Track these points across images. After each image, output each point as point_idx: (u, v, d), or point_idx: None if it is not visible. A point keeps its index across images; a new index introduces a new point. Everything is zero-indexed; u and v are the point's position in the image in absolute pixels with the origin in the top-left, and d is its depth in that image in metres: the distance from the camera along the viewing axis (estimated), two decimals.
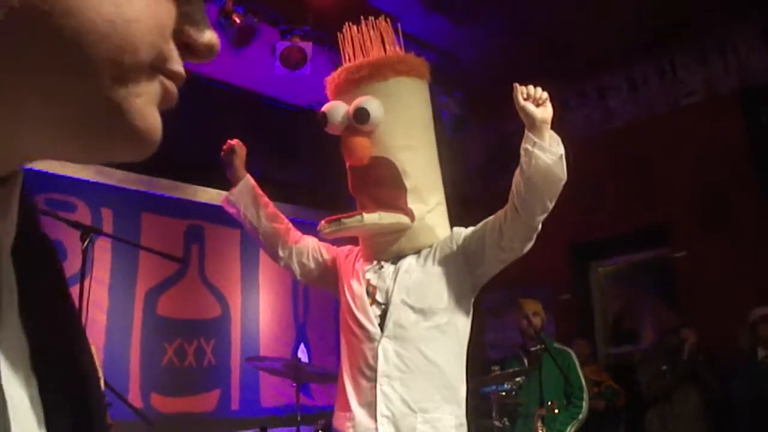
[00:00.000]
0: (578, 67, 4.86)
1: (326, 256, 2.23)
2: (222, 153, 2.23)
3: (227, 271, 4.73)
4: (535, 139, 1.79)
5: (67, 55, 0.28)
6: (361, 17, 2.18)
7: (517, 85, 1.80)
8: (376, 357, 1.94)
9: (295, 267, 2.23)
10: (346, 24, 2.19)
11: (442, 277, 2.00)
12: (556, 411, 3.28)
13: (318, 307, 5.06)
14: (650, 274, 5.23)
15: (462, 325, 2.01)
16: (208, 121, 3.75)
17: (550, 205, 1.86)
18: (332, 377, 2.45)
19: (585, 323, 5.22)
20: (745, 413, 3.78)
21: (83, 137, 0.31)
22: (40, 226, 0.39)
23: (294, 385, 3.11)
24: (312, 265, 2.23)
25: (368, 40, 2.16)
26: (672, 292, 4.82)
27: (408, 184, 2.07)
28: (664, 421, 4.12)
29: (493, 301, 4.49)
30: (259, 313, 4.87)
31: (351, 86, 2.12)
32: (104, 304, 4.04)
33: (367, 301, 2.03)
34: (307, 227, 2.37)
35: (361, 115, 2.04)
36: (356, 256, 2.18)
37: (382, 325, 1.98)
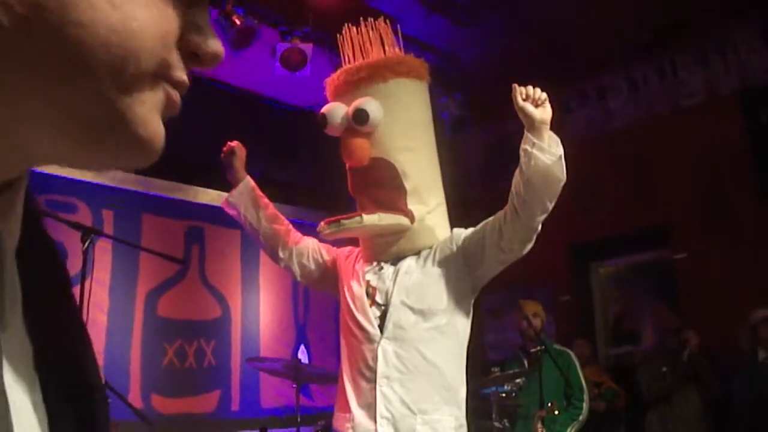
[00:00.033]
0: (578, 67, 4.86)
1: (326, 257, 2.23)
2: (222, 155, 2.24)
3: (227, 272, 4.73)
4: (534, 140, 1.79)
5: (71, 64, 0.29)
6: (361, 19, 2.18)
7: (516, 85, 1.80)
8: (375, 358, 1.94)
9: (296, 268, 2.24)
10: (346, 25, 2.19)
11: (441, 278, 2.00)
12: (556, 412, 3.28)
13: (318, 309, 5.06)
14: (650, 275, 5.23)
15: (462, 326, 2.01)
16: (208, 123, 3.75)
17: (550, 206, 1.86)
18: (332, 378, 2.45)
19: (585, 324, 5.22)
20: (745, 414, 3.78)
21: (87, 144, 0.31)
22: (44, 228, 0.39)
23: (294, 386, 3.11)
24: (312, 266, 2.23)
25: (368, 42, 2.16)
26: (672, 294, 4.82)
27: (408, 185, 2.07)
28: (664, 423, 4.11)
29: (493, 302, 4.49)
30: (259, 314, 4.87)
31: (350, 88, 2.12)
32: (105, 305, 4.05)
33: (366, 302, 2.03)
34: (307, 228, 2.37)
35: (360, 117, 2.04)
36: (356, 257, 2.18)
37: (381, 327, 1.98)
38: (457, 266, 2.01)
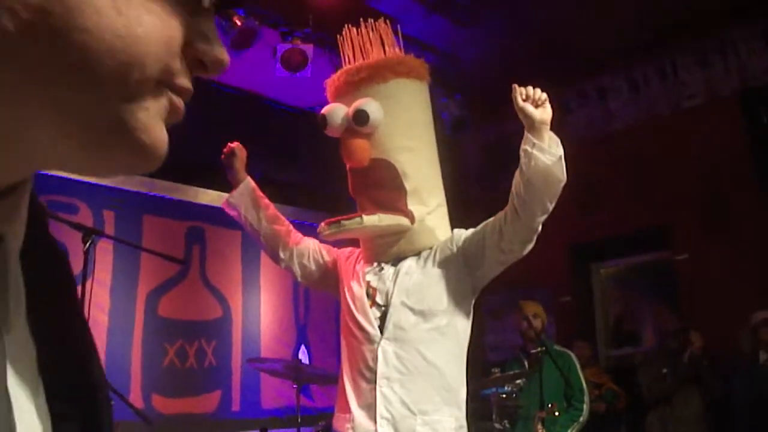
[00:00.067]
0: (579, 68, 4.86)
1: (327, 258, 2.24)
2: (222, 156, 2.24)
3: (228, 272, 4.74)
4: (535, 141, 1.79)
5: (75, 69, 0.29)
6: (361, 19, 2.18)
7: (516, 86, 1.80)
8: (375, 359, 1.94)
9: (296, 269, 2.24)
10: (346, 26, 2.20)
11: (441, 278, 2.00)
12: (557, 413, 3.28)
13: (319, 309, 5.06)
14: (651, 276, 5.23)
15: (462, 326, 2.01)
16: (209, 123, 3.75)
17: (550, 207, 1.86)
18: (333, 379, 2.45)
19: (586, 325, 5.21)
20: (745, 416, 3.77)
21: (88, 150, 0.31)
22: (49, 230, 0.39)
23: (295, 386, 3.11)
24: (313, 266, 2.23)
25: (368, 42, 2.16)
26: (673, 295, 4.82)
27: (408, 185, 2.07)
28: (664, 424, 4.11)
29: (493, 303, 4.49)
30: (260, 314, 4.88)
31: (351, 88, 2.12)
32: (106, 306, 4.05)
33: (367, 302, 2.03)
34: (308, 229, 2.38)
35: (360, 117, 2.05)
36: (357, 257, 2.18)
37: (381, 327, 1.98)
38: (457, 267, 2.01)
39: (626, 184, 5.03)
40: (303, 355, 4.88)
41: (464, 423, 1.97)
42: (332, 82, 2.20)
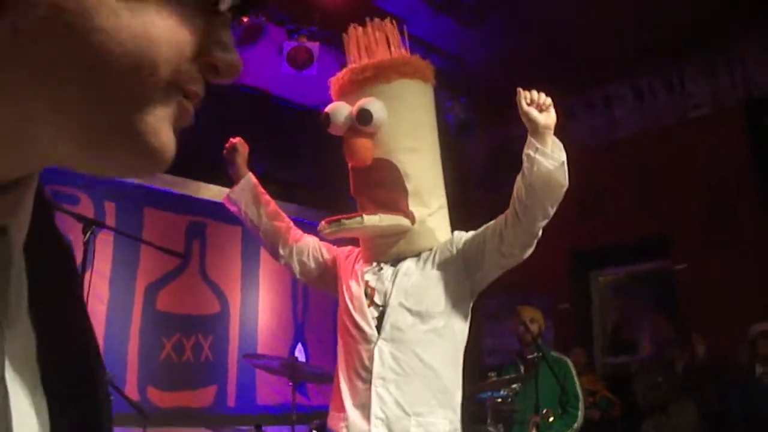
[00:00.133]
0: (584, 75, 4.85)
1: (326, 256, 2.23)
2: (224, 151, 2.24)
3: (228, 268, 4.74)
4: (538, 145, 1.79)
5: (87, 68, 0.29)
6: (368, 19, 2.18)
7: (520, 89, 1.80)
8: (372, 358, 1.94)
9: (295, 265, 2.24)
10: (352, 25, 2.20)
11: (440, 280, 2.00)
12: (551, 419, 3.28)
13: (317, 307, 5.06)
14: (650, 285, 5.22)
15: (459, 329, 2.01)
16: (212, 119, 3.75)
17: (551, 212, 1.86)
18: (329, 377, 2.44)
19: (583, 332, 5.21)
20: (741, 429, 3.77)
21: (90, 150, 0.31)
22: (55, 223, 0.39)
23: (290, 384, 3.11)
24: (312, 264, 2.23)
25: (374, 42, 2.16)
26: (671, 305, 4.81)
27: (409, 186, 2.07)
28: None
29: (492, 306, 4.48)
30: (258, 311, 4.88)
31: (355, 87, 2.12)
32: (104, 297, 4.06)
33: (365, 302, 2.03)
34: (308, 227, 2.38)
35: (364, 117, 2.04)
36: (356, 257, 2.18)
37: (379, 327, 1.97)
38: (456, 269, 2.01)
39: (628, 193, 5.02)
40: (300, 353, 4.88)
41: (458, 426, 1.96)
42: (337, 80, 2.20)
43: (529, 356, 3.59)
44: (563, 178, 1.81)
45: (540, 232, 1.89)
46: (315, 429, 3.22)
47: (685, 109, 4.94)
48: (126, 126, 0.30)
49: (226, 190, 2.30)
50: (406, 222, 2.04)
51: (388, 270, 2.06)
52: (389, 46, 2.16)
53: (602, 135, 5.27)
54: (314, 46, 4.11)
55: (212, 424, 3.97)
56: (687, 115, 4.93)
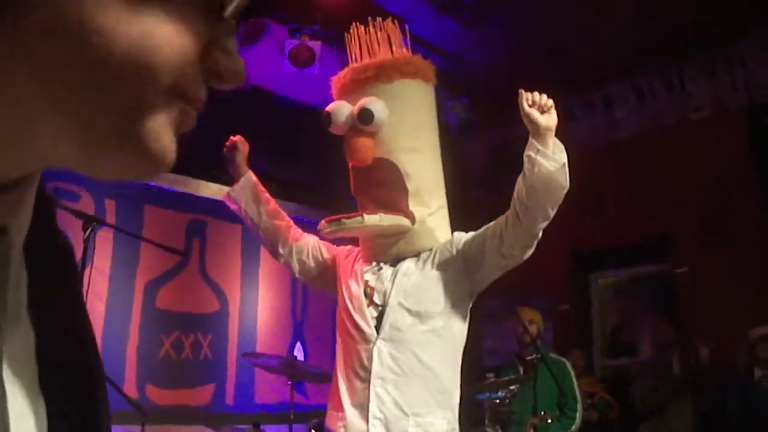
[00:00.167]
0: (585, 75, 4.85)
1: (326, 255, 2.23)
2: (225, 149, 2.24)
3: (227, 266, 4.74)
4: (539, 146, 1.79)
5: (87, 70, 0.28)
6: (370, 18, 2.18)
7: (522, 91, 1.80)
8: (370, 358, 1.94)
9: (295, 264, 2.24)
10: (354, 25, 2.20)
11: (440, 281, 2.00)
12: (549, 421, 3.28)
13: (316, 307, 5.06)
14: (650, 288, 5.22)
15: (458, 329, 2.01)
16: (213, 117, 3.76)
17: (552, 213, 1.86)
18: (327, 377, 2.45)
19: (583, 334, 5.21)
20: (739, 431, 3.77)
21: (97, 151, 0.31)
22: (56, 222, 0.39)
23: (289, 382, 3.11)
24: (311, 263, 2.23)
25: (375, 41, 2.16)
26: (671, 307, 4.81)
27: (410, 186, 2.07)
28: None
29: (491, 307, 4.48)
30: (257, 309, 4.88)
31: (356, 87, 2.12)
32: (104, 294, 4.06)
33: (364, 302, 2.03)
34: (308, 226, 2.37)
35: (365, 116, 2.04)
36: (356, 256, 2.18)
37: (378, 327, 1.97)
38: (456, 270, 2.01)
39: (629, 194, 5.02)
40: (298, 352, 4.88)
41: (456, 426, 1.96)
42: (338, 79, 2.20)
43: (528, 358, 3.60)
44: (564, 180, 1.81)
45: (540, 234, 1.89)
46: (313, 428, 3.23)
47: (685, 110, 4.94)
48: (126, 128, 0.30)
49: (227, 188, 2.30)
50: (406, 222, 2.04)
51: (387, 270, 2.06)
52: (391, 46, 2.16)
53: (602, 135, 5.27)
54: (316, 45, 4.11)
55: (211, 423, 3.97)
56: (687, 116, 4.93)
